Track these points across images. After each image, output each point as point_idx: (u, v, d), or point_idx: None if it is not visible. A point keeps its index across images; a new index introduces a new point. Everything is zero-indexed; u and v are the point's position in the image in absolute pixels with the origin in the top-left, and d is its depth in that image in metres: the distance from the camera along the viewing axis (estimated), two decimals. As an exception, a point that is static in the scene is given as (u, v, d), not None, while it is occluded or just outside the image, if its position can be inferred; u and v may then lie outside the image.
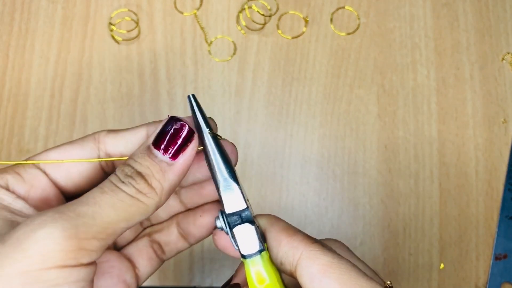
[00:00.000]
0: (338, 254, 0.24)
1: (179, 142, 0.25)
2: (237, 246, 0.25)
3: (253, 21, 0.49)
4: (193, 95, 0.27)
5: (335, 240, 0.28)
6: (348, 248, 0.27)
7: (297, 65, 0.49)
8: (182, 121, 0.25)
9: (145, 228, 0.31)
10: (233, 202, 0.26)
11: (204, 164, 0.28)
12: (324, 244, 0.25)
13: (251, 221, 0.26)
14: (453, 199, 0.47)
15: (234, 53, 0.49)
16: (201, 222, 0.29)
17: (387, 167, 0.47)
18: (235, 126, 0.48)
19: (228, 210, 0.26)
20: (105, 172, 0.28)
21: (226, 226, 0.26)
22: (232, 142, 0.30)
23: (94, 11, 0.50)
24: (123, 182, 0.24)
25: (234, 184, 0.26)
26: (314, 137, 0.48)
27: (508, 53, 0.49)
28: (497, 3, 0.50)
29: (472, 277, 0.46)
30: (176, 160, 0.25)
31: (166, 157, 0.24)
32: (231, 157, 0.28)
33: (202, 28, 0.49)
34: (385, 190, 0.47)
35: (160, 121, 0.26)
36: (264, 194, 0.47)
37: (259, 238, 0.25)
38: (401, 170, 0.47)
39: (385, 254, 0.46)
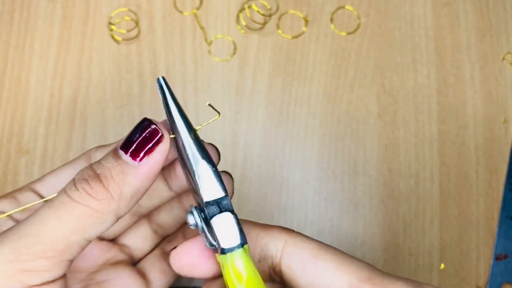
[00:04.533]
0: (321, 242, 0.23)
1: (147, 144, 0.23)
2: (216, 240, 0.23)
3: (253, 21, 0.49)
4: (163, 78, 0.24)
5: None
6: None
7: (297, 64, 0.49)
8: (153, 122, 0.23)
9: (162, 239, 0.31)
10: (210, 189, 0.23)
11: None
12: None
13: (231, 210, 0.23)
14: (453, 199, 0.47)
15: (234, 53, 0.49)
16: None
17: (388, 167, 0.47)
18: (235, 126, 0.48)
19: (206, 198, 0.23)
20: None
21: (201, 220, 0.23)
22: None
23: (93, 11, 0.50)
24: (76, 189, 0.22)
25: (211, 169, 0.23)
26: (314, 137, 0.48)
27: (509, 53, 0.49)
28: (497, 3, 0.50)
29: (473, 277, 0.45)
30: (141, 162, 0.23)
31: (130, 159, 0.23)
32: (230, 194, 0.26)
33: (202, 28, 0.49)
34: (386, 190, 0.47)
35: None
36: (264, 194, 0.46)
37: (240, 229, 0.23)
38: (401, 170, 0.47)
39: (385, 254, 0.46)
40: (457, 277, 0.45)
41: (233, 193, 0.28)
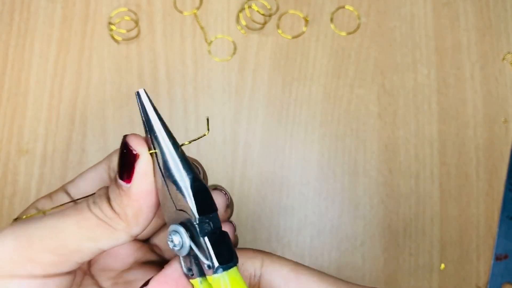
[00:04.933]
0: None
1: (130, 164, 0.23)
2: (209, 258, 0.21)
3: (253, 21, 0.49)
4: (144, 90, 0.23)
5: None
6: None
7: (297, 64, 0.49)
8: (125, 140, 0.23)
9: None
10: (204, 203, 0.22)
11: None
12: None
13: (221, 227, 0.22)
14: (453, 199, 0.47)
15: (234, 53, 0.49)
16: None
17: (388, 167, 0.47)
18: (235, 126, 0.48)
19: (198, 214, 0.22)
20: None
21: (188, 239, 0.22)
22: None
23: (93, 11, 0.50)
24: (94, 202, 0.23)
25: (200, 184, 0.22)
26: (314, 137, 0.48)
27: (509, 53, 0.49)
28: (497, 3, 0.50)
29: (473, 278, 0.45)
30: (130, 183, 0.22)
31: (122, 182, 0.23)
32: (222, 211, 0.25)
33: (202, 28, 0.49)
34: (386, 190, 0.47)
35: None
36: (264, 194, 0.46)
37: (232, 246, 0.22)
38: (401, 170, 0.47)
39: (386, 255, 0.46)
40: (457, 277, 0.45)
41: (232, 210, 0.27)
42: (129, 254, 0.29)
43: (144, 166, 0.22)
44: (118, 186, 0.23)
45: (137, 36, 0.49)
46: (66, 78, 0.48)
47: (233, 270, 0.22)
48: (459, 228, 0.46)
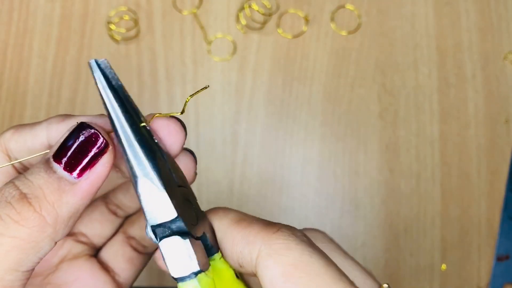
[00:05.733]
0: (311, 248, 0.18)
1: (87, 156, 0.19)
2: (166, 265, 0.19)
3: (253, 20, 0.49)
4: (95, 61, 0.19)
5: (314, 230, 0.22)
6: (331, 239, 0.22)
7: (298, 64, 0.49)
8: (94, 129, 0.19)
9: (122, 227, 0.26)
10: (157, 210, 0.19)
11: None
12: (293, 233, 0.19)
13: (185, 232, 0.19)
14: (454, 200, 0.46)
15: (234, 53, 0.49)
16: None
17: (388, 167, 0.47)
18: (235, 126, 0.47)
19: (151, 222, 0.19)
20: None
21: (155, 238, 0.19)
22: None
23: (92, 10, 0.49)
24: None
25: (158, 186, 0.19)
26: (314, 137, 0.47)
27: (510, 52, 0.49)
28: (499, 2, 0.50)
29: (474, 278, 0.45)
30: (80, 177, 0.19)
31: (67, 174, 0.19)
32: (187, 173, 0.21)
33: (201, 27, 0.49)
34: (386, 191, 0.46)
35: (65, 116, 0.21)
36: (264, 194, 0.46)
37: (197, 255, 0.19)
38: (402, 170, 0.47)
39: (387, 255, 0.45)
40: (458, 278, 0.45)
41: (195, 174, 0.23)
42: (53, 254, 0.24)
43: (110, 159, 0.19)
44: (57, 179, 0.19)
45: (136, 35, 0.49)
46: (65, 78, 0.48)
47: (190, 283, 0.19)
48: (460, 228, 0.46)
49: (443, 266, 0.45)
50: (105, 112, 0.20)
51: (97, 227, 0.25)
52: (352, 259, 0.21)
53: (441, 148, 0.47)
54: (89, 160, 0.19)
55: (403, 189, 0.46)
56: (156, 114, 0.21)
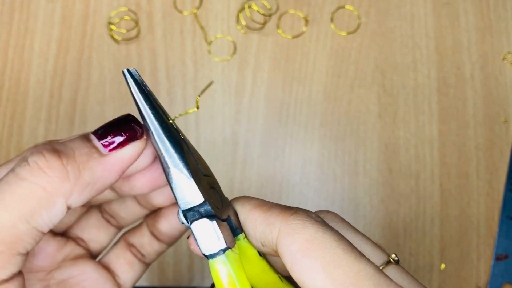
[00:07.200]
0: (324, 226, 0.20)
1: (123, 136, 0.21)
2: (198, 245, 0.22)
3: (253, 21, 0.49)
4: (127, 70, 0.22)
5: (327, 211, 0.24)
6: (342, 218, 0.24)
7: (297, 64, 0.49)
8: (136, 120, 0.22)
9: (124, 233, 0.29)
10: (187, 196, 0.22)
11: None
12: (308, 214, 0.21)
13: (212, 215, 0.22)
14: (454, 199, 0.46)
15: (234, 53, 0.49)
16: (167, 221, 0.27)
17: (388, 167, 0.47)
18: (235, 126, 0.47)
19: (182, 206, 0.22)
20: None
21: (187, 221, 0.22)
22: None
23: (93, 11, 0.50)
24: (26, 164, 0.19)
25: (187, 175, 0.22)
26: (314, 137, 0.48)
27: (509, 53, 0.49)
28: (498, 3, 0.50)
29: (473, 278, 0.45)
30: (111, 152, 0.21)
31: (101, 145, 0.21)
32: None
33: (201, 28, 0.49)
34: (386, 190, 0.47)
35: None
36: (264, 194, 0.46)
37: (224, 234, 0.22)
38: (401, 170, 0.47)
39: (386, 255, 0.46)
40: (457, 277, 0.45)
41: None
42: (55, 251, 0.26)
43: (139, 146, 0.22)
44: (90, 146, 0.21)
45: (137, 36, 0.49)
46: (66, 78, 0.48)
47: (220, 258, 0.21)
48: (459, 228, 0.46)
49: (442, 266, 0.45)
50: (138, 113, 0.22)
51: (93, 232, 0.28)
52: (362, 234, 0.23)
53: (440, 148, 0.47)
54: (122, 141, 0.21)
55: (403, 189, 0.47)
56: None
